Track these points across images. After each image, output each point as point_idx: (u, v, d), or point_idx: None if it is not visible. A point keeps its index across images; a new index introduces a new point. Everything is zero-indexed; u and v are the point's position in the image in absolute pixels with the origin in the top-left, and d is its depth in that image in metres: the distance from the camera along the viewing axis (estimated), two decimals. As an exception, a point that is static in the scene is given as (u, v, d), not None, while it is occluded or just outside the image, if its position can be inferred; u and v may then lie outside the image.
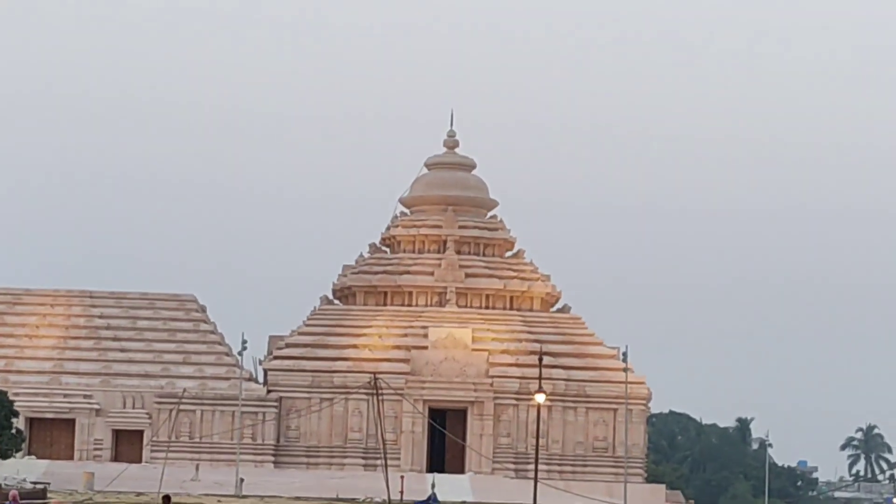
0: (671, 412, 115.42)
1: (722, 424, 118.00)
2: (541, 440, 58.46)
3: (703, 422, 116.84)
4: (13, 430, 63.27)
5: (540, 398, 53.25)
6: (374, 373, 66.49)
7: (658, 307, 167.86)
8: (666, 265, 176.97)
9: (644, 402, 71.65)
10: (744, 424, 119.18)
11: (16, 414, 64.67)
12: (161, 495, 37.90)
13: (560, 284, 77.82)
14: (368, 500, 61.12)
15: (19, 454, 63.62)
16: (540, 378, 53.97)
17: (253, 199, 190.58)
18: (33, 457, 67.24)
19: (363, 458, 70.49)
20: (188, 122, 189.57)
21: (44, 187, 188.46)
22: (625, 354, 68.23)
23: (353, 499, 61.85)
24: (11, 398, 64.95)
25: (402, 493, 56.54)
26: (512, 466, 69.04)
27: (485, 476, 67.49)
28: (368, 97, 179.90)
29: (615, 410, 69.56)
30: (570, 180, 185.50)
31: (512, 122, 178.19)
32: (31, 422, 71.10)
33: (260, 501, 59.36)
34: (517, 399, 69.51)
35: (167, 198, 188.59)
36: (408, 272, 74.96)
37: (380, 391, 63.51)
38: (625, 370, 68.14)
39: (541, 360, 54.51)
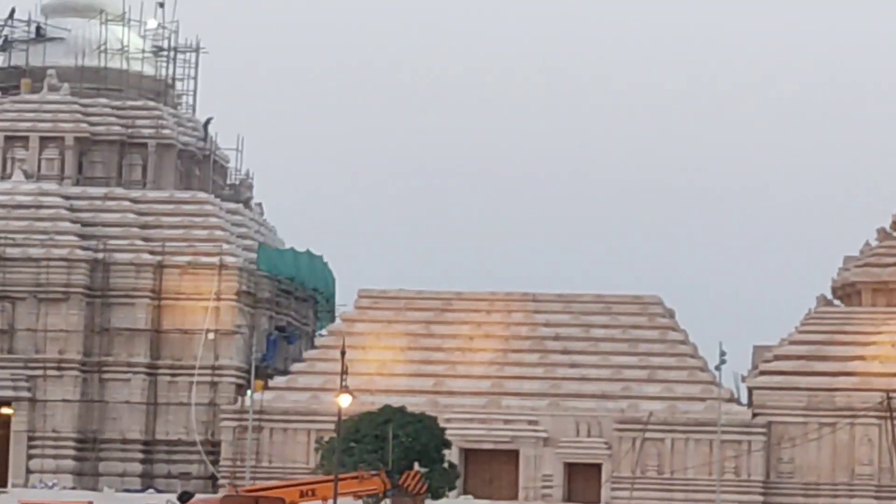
0: None
1: None
2: None
3: None
4: (445, 465, 67.32)
5: None
6: (888, 391, 66.91)
7: None
8: None
9: None
10: None
11: (448, 444, 68.81)
12: None
13: None
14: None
15: (453, 493, 67.91)
16: None
17: (728, 194, 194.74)
18: (470, 497, 71.75)
19: (875, 496, 69.39)
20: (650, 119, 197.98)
21: (479, 179, 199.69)
22: None
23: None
24: (443, 425, 69.21)
25: None
26: None
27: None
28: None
29: None
30: None
31: None
32: (467, 453, 75.55)
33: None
34: None
35: (620, 194, 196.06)
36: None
37: (894, 414, 66.00)
38: None
39: None
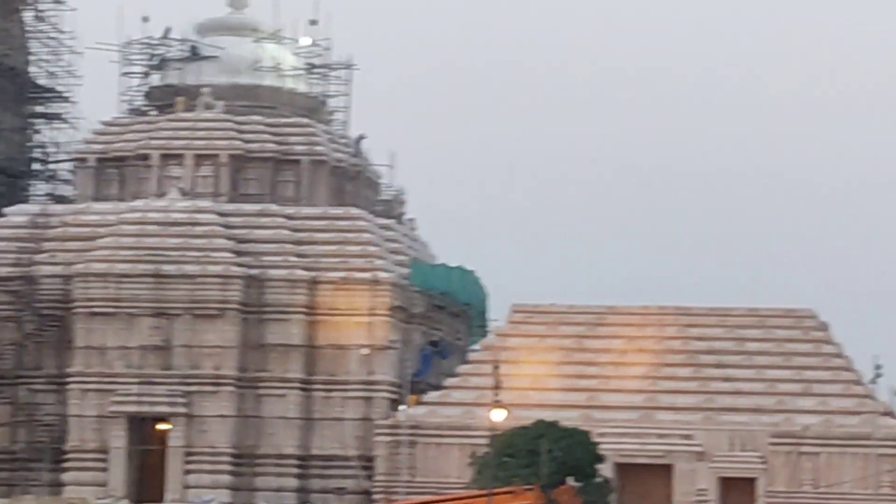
0: None
1: None
2: None
3: None
4: (599, 479, 68.90)
5: None
6: None
7: None
8: None
9: None
10: None
11: (601, 459, 70.14)
12: None
13: None
14: None
15: None
16: None
17: (885, 201, 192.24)
18: None
19: None
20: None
21: (631, 193, 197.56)
22: None
23: None
24: (596, 440, 70.59)
25: None
26: None
27: None
28: None
29: None
30: None
31: None
32: (621, 468, 76.36)
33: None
34: None
35: (773, 204, 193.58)
36: None
37: None
38: None
39: None
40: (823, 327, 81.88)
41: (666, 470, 78.02)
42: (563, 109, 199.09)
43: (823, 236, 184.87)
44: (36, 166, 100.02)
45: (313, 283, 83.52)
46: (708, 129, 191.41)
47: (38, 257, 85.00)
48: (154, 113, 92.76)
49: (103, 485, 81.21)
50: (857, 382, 78.95)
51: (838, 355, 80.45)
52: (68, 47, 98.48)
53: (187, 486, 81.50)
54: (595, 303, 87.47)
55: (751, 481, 77.51)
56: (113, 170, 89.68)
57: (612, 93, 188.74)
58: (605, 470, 71.43)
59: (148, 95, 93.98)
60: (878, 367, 75.23)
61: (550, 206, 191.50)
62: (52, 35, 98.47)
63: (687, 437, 78.23)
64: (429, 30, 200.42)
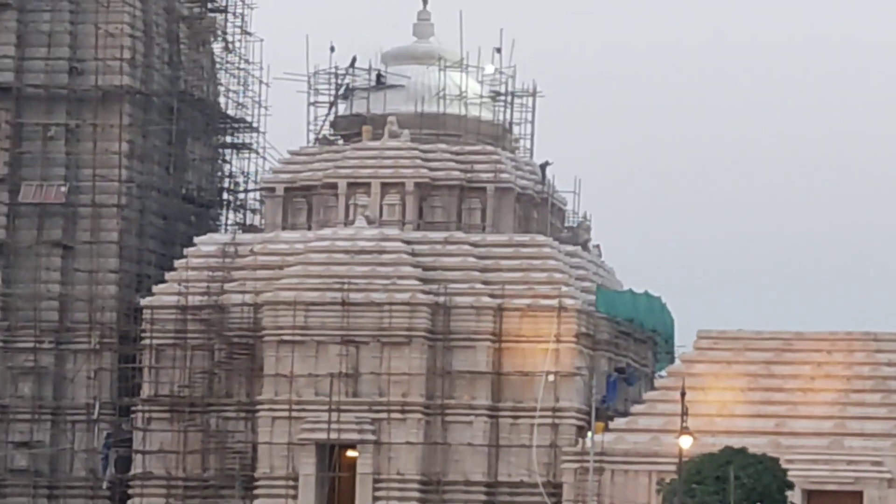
0: None
1: None
2: None
3: None
4: None
5: None
6: None
7: None
8: None
9: None
10: None
11: (791, 486, 70.87)
12: None
13: None
14: None
15: None
16: None
17: None
18: None
19: None
20: None
21: (815, 219, 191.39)
22: None
23: None
24: (784, 466, 71.37)
25: None
26: None
27: None
28: None
29: None
30: None
31: None
32: (809, 494, 76.65)
33: None
34: None
35: None
36: None
37: None
38: None
39: None
40: None
41: (856, 497, 77.87)
42: (752, 136, 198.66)
43: None
44: (225, 196, 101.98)
45: (499, 311, 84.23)
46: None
47: (228, 286, 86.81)
48: (340, 142, 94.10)
49: None
50: None
51: None
52: (256, 78, 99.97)
53: None
54: (782, 328, 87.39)
55: None
56: (300, 199, 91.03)
57: (815, 120, 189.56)
58: (794, 497, 72.09)
59: (334, 125, 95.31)
60: None
61: (736, 232, 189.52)
62: (240, 66, 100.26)
63: (877, 463, 77.94)
64: (611, 58, 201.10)
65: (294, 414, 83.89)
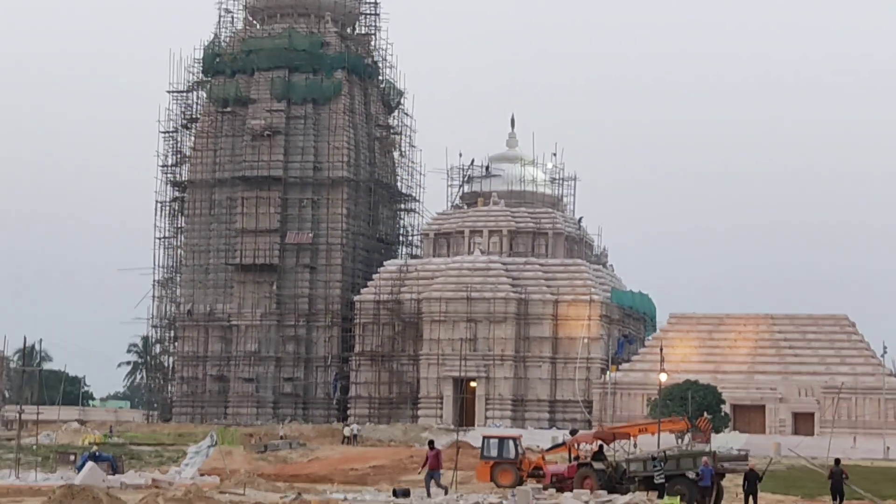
0: None
1: None
2: None
3: None
4: (722, 414, 70.14)
5: None
6: None
7: None
8: None
9: None
10: None
11: (724, 402, 71.40)
12: (833, 459, 39.13)
13: None
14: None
15: (727, 430, 69.44)
16: None
17: None
18: (736, 432, 70.93)
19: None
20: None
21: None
22: None
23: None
24: (720, 390, 71.73)
25: None
26: None
27: None
28: None
29: None
30: None
31: None
32: (735, 408, 76.10)
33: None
34: None
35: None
36: None
37: None
38: None
39: None
40: (853, 325, 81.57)
41: (761, 408, 77.80)
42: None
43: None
44: (400, 238, 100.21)
45: (556, 303, 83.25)
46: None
47: (403, 289, 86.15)
48: (465, 207, 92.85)
49: (440, 417, 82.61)
50: (873, 357, 78.93)
51: (861, 341, 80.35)
52: (418, 171, 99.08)
53: (485, 419, 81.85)
54: (719, 311, 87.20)
55: (811, 415, 76.46)
56: (443, 240, 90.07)
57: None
58: (726, 408, 72.53)
59: (462, 197, 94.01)
60: (885, 348, 76.28)
61: (702, 248, 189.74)
62: (408, 164, 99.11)
63: (773, 388, 77.84)
64: (627, 145, 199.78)
65: (441, 361, 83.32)
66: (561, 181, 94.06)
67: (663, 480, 37.31)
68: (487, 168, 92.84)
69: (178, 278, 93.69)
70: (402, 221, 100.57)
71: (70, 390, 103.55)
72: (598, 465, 39.73)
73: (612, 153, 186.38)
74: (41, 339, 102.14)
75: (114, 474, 44.52)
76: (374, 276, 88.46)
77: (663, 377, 64.61)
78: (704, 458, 36.93)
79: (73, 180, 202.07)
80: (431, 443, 41.59)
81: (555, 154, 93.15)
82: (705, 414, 62.80)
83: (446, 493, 37.75)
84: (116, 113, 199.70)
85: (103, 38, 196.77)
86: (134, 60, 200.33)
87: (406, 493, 38.66)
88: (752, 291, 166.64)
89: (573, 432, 51.81)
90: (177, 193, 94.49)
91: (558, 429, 74.22)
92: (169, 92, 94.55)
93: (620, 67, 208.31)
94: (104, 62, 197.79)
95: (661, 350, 69.82)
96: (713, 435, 57.48)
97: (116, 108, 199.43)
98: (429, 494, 37.50)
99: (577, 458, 41.80)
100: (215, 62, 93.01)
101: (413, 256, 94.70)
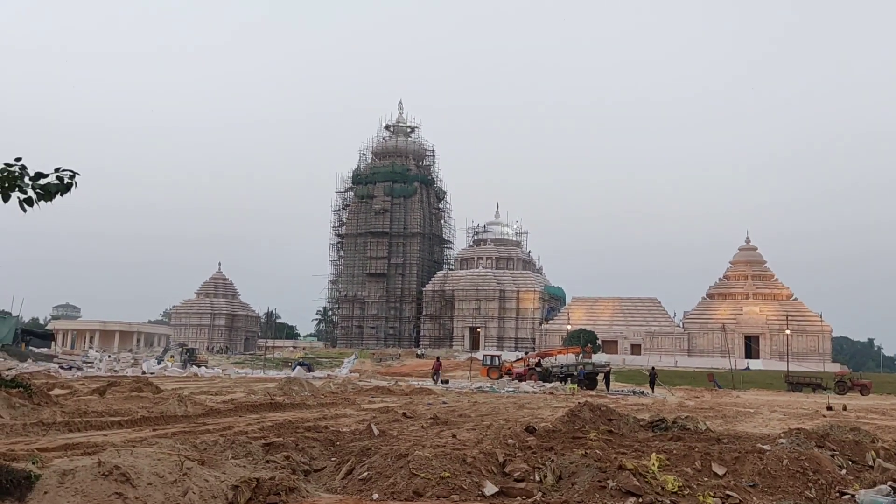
0: None
1: None
2: None
3: None
4: (597, 344, 65.71)
5: None
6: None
7: None
8: None
9: None
10: None
11: (597, 339, 68.42)
12: (651, 367, 34.54)
13: None
14: None
15: (599, 353, 56.69)
16: None
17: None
18: (603, 354, 59.46)
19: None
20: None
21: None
22: None
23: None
24: (596, 334, 69.24)
25: None
26: None
27: None
28: None
29: None
30: None
31: None
32: (603, 342, 73.55)
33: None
34: None
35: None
36: None
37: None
38: None
39: None
40: (658, 303, 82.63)
41: (615, 342, 78.00)
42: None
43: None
44: (445, 261, 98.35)
45: (517, 292, 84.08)
46: None
47: (445, 285, 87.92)
48: (475, 246, 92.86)
49: (463, 346, 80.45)
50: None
51: (663, 310, 79.95)
52: (451, 226, 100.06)
53: (484, 347, 78.17)
54: (595, 295, 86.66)
55: (638, 346, 75.90)
56: (465, 262, 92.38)
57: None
58: (599, 343, 70.13)
59: (474, 241, 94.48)
60: (674, 313, 76.57)
61: (589, 259, 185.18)
62: (443, 218, 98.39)
63: (621, 333, 76.21)
64: (579, 210, 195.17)
65: (463, 318, 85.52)
66: (520, 233, 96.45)
67: (566, 376, 39.23)
68: (485, 227, 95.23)
69: (340, 279, 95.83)
70: (445, 253, 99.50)
71: (289, 332, 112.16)
72: (538, 369, 41.03)
73: (550, 221, 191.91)
74: (275, 308, 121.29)
75: (309, 372, 45.41)
76: (432, 279, 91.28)
77: (568, 328, 70.83)
78: (581, 366, 39.25)
79: (282, 233, 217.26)
80: (438, 358, 44.04)
81: (517, 221, 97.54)
82: (588, 346, 57.58)
83: (446, 383, 37.83)
84: (312, 203, 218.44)
85: (300, 156, 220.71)
86: (320, 173, 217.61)
87: (446, 381, 39.04)
88: (613, 282, 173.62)
89: (526, 353, 54.89)
90: (339, 239, 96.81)
91: (519, 352, 71.77)
92: (336, 192, 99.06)
93: (574, 171, 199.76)
94: (310, 171, 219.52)
95: (568, 315, 75.86)
96: (592, 355, 51.51)
97: (312, 199, 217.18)
98: (435, 383, 37.50)
99: (527, 364, 43.24)
100: (357, 177, 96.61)
101: (450, 269, 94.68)
